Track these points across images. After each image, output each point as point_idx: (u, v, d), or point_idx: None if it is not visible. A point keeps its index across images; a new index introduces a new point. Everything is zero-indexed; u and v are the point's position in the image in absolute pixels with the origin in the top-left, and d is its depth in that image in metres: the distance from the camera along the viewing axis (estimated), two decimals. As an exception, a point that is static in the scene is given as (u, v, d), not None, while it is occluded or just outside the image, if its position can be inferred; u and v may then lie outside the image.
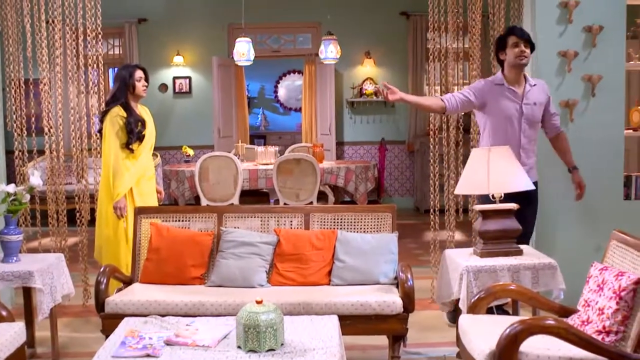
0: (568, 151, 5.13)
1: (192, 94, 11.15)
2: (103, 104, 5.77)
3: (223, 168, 7.75)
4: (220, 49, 10.97)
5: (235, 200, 7.70)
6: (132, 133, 5.24)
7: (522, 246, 4.62)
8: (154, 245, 4.79)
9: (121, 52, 11.14)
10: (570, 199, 5.39)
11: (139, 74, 5.34)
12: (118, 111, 5.26)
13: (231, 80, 11.22)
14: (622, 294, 3.20)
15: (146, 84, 5.39)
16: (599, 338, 3.22)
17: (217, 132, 10.72)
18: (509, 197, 4.45)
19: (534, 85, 4.92)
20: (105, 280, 4.39)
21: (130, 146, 5.25)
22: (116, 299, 4.35)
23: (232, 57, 9.17)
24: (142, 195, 5.35)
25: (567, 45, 5.42)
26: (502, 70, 4.98)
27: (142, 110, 5.47)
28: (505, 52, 4.88)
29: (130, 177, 5.26)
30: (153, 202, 5.48)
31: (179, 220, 5.02)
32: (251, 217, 5.00)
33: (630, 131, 5.71)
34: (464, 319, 3.82)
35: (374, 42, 11.03)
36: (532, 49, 4.87)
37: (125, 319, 3.88)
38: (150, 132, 5.43)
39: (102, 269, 4.50)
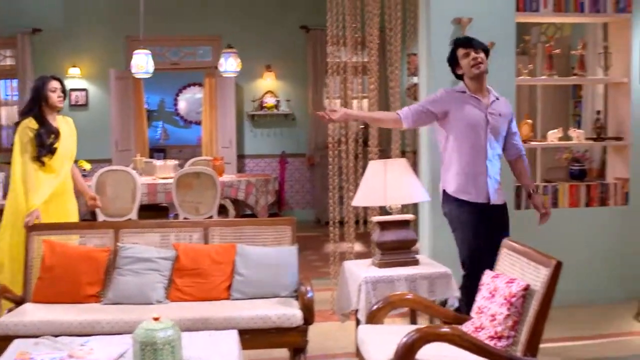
0: (527, 174, 4.86)
1: (88, 107, 10.87)
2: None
3: (121, 182, 7.59)
4: (118, 61, 10.75)
5: (134, 215, 7.55)
6: (43, 145, 5.06)
7: (418, 256, 4.72)
8: (47, 263, 4.63)
9: (14, 63, 10.75)
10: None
11: (53, 84, 5.15)
12: (28, 123, 5.08)
13: (129, 93, 11.00)
14: (512, 300, 3.31)
15: (62, 95, 5.20)
16: (492, 343, 3.32)
17: (115, 146, 10.48)
18: (481, 226, 4.48)
19: (498, 98, 4.61)
20: (-6, 301, 4.22)
21: (42, 159, 5.06)
22: (5, 320, 4.17)
23: (130, 70, 9.00)
24: (56, 211, 5.15)
25: (460, 60, 5.57)
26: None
27: (61, 122, 5.27)
28: (460, 66, 4.55)
29: (44, 189, 5.07)
30: (64, 218, 5.26)
31: (72, 237, 4.87)
32: (150, 232, 4.90)
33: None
34: (363, 329, 3.87)
35: (275, 55, 11.06)
36: (487, 52, 4.56)
37: (15, 340, 3.72)
38: (66, 145, 5.22)
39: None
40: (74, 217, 5.37)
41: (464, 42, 4.55)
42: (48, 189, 5.11)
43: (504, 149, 4.70)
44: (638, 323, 5.44)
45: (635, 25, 5.93)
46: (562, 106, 8.25)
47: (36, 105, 5.15)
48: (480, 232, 4.44)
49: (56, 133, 5.17)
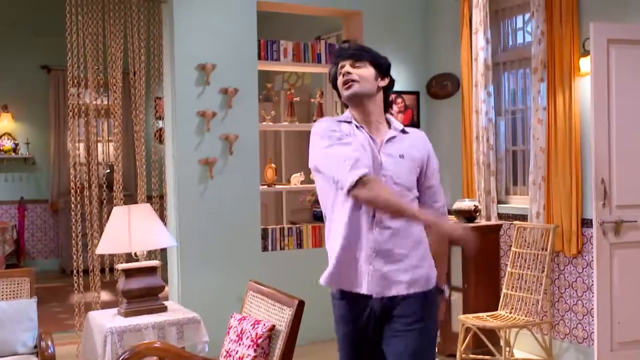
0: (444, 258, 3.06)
1: None
2: None
3: None
4: None
5: None
6: None
7: (167, 302, 4.66)
8: None
9: None
10: (212, 252, 5.62)
11: None
12: None
13: None
14: (259, 341, 3.38)
15: None
16: (239, 386, 3.35)
17: None
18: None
19: (406, 133, 2.97)
20: None
21: None
22: None
23: None
24: None
25: (205, 106, 5.66)
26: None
27: None
28: None
29: None
30: None
31: None
32: None
33: (265, 187, 6.11)
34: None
35: (12, 95, 10.41)
36: (379, 65, 2.97)
37: None
38: None
39: None
40: None
41: (339, 52, 3.05)
42: None
43: None
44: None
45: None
46: (304, 151, 8.60)
47: None
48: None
49: None
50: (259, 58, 5.96)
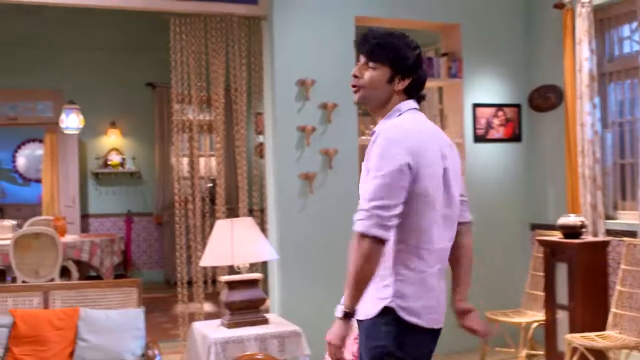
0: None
1: None
2: None
3: (-49, 245, 7.13)
4: (-51, 116, 10.18)
5: (-34, 279, 7.09)
6: None
7: (268, 315, 4.73)
8: None
9: None
10: (312, 265, 5.66)
11: None
12: None
13: (-38, 149, 10.42)
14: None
15: None
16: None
17: (-55, 206, 9.86)
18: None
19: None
20: None
21: None
22: None
23: (-37, 125, 8.55)
24: None
25: (305, 121, 5.73)
26: None
27: None
28: None
29: None
30: None
31: None
32: (-17, 298, 4.62)
33: (365, 200, 6.10)
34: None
35: (120, 112, 10.87)
36: (400, 66, 2.62)
37: None
38: None
39: None
40: None
41: (358, 42, 2.71)
42: None
43: None
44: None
45: (466, 90, 6.34)
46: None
47: None
48: None
49: None
50: (358, 72, 5.97)
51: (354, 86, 2.66)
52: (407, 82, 2.63)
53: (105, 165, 10.87)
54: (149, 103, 10.96)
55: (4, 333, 4.37)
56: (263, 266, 5.75)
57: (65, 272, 7.80)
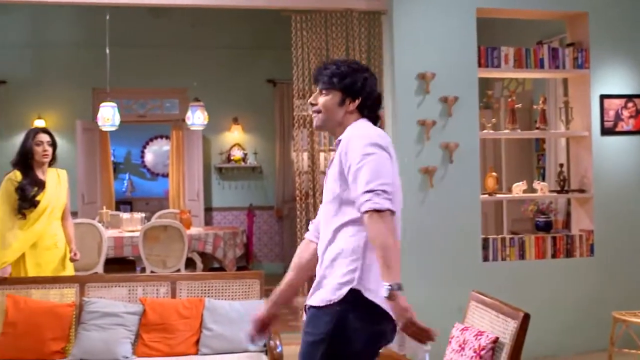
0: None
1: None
2: None
3: (86, 235, 7.50)
4: (84, 113, 10.71)
5: (100, 269, 7.45)
6: (24, 198, 4.98)
7: (387, 309, 4.71)
8: (10, 318, 4.54)
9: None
10: (431, 260, 5.61)
11: (39, 137, 5.09)
12: (12, 175, 5.04)
13: (96, 144, 10.95)
14: (482, 352, 3.33)
15: (47, 148, 5.11)
16: (462, 397, 3.32)
17: (81, 198, 10.38)
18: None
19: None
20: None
21: (23, 211, 4.98)
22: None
23: (97, 121, 8.98)
24: (39, 265, 5.04)
25: (425, 115, 5.69)
26: None
27: (51, 174, 5.20)
28: None
29: (18, 245, 4.97)
30: (56, 271, 5.16)
31: (38, 290, 4.79)
32: (116, 286, 4.85)
33: (486, 196, 6.00)
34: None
35: (242, 108, 11.12)
36: (348, 90, 2.87)
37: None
38: (49, 198, 5.12)
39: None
40: (68, 270, 5.26)
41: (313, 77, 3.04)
42: (24, 243, 5.01)
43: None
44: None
45: (593, 80, 6.10)
46: (526, 159, 8.39)
47: (22, 158, 5.10)
48: None
49: (40, 185, 5.09)
50: (479, 65, 5.87)
51: (313, 112, 2.94)
52: (357, 102, 2.87)
53: (228, 160, 11.16)
54: (270, 99, 11.16)
55: (135, 320, 4.58)
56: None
57: (190, 264, 8.06)
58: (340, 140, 2.82)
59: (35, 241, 5.09)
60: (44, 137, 5.12)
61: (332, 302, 2.70)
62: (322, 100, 2.90)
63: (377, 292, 2.61)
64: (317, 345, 2.70)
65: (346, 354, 2.69)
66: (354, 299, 2.67)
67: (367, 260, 2.69)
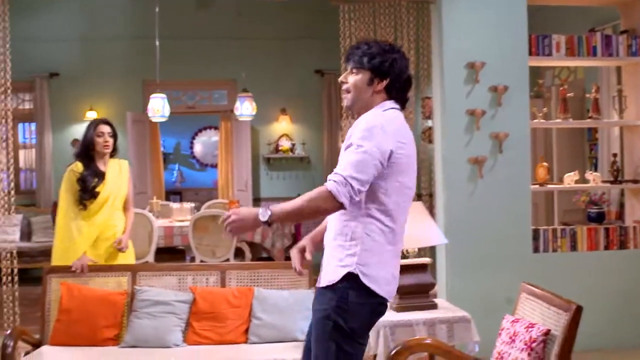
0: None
1: (105, 150, 10.96)
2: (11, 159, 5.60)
3: (137, 225, 7.59)
4: (134, 104, 10.87)
5: (150, 258, 7.56)
6: (85, 189, 5.04)
7: (437, 300, 4.70)
8: (65, 305, 4.64)
9: (32, 106, 10.91)
10: (481, 251, 5.56)
11: (100, 128, 5.13)
12: (74, 166, 5.11)
13: (146, 135, 11.10)
14: (533, 345, 3.29)
15: (108, 139, 5.14)
16: (512, 389, 3.29)
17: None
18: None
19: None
20: (12, 344, 4.21)
21: (84, 202, 5.05)
22: (23, 364, 4.18)
23: (147, 113, 9.10)
24: (99, 256, 5.13)
25: (474, 104, 5.63)
26: None
27: (113, 165, 5.25)
28: None
29: (81, 241, 5.02)
30: (120, 260, 5.20)
31: (91, 279, 4.88)
32: (166, 275, 4.91)
33: (537, 186, 5.92)
34: (381, 374, 3.85)
35: (290, 99, 11.16)
36: (376, 69, 2.95)
37: (33, 384, 3.73)
38: (109, 189, 5.16)
39: (8, 332, 4.32)
40: (129, 259, 5.33)
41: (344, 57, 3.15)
42: (88, 238, 5.06)
43: None
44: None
45: (649, 68, 5.96)
46: (577, 149, 8.25)
47: (84, 149, 5.19)
48: None
49: (100, 177, 5.15)
50: (530, 54, 5.78)
51: (343, 92, 3.04)
52: (385, 82, 2.95)
53: (276, 150, 11.21)
54: (318, 90, 11.17)
55: (185, 309, 4.64)
56: (431, 251, 5.72)
57: (238, 253, 8.13)
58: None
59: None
60: (105, 128, 5.18)
61: (333, 283, 2.90)
62: (351, 79, 2.99)
63: (374, 278, 2.88)
64: (325, 320, 2.90)
65: (351, 326, 2.88)
66: (354, 280, 2.88)
67: (366, 246, 2.89)
